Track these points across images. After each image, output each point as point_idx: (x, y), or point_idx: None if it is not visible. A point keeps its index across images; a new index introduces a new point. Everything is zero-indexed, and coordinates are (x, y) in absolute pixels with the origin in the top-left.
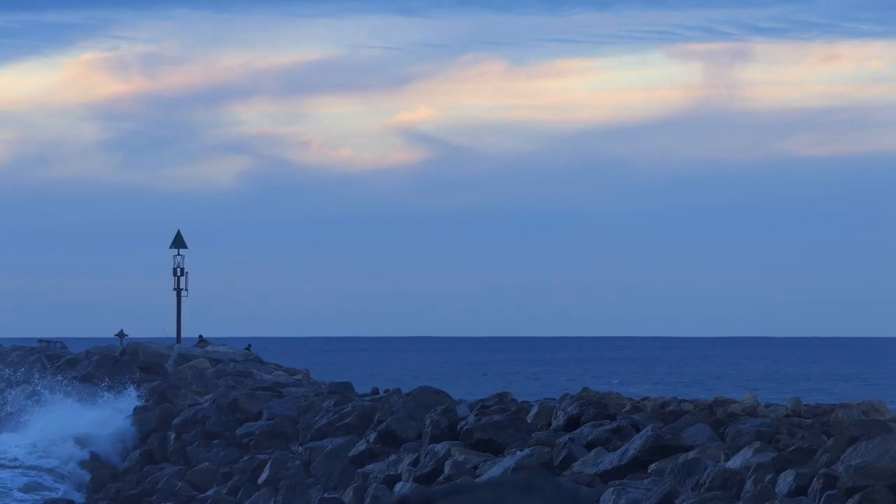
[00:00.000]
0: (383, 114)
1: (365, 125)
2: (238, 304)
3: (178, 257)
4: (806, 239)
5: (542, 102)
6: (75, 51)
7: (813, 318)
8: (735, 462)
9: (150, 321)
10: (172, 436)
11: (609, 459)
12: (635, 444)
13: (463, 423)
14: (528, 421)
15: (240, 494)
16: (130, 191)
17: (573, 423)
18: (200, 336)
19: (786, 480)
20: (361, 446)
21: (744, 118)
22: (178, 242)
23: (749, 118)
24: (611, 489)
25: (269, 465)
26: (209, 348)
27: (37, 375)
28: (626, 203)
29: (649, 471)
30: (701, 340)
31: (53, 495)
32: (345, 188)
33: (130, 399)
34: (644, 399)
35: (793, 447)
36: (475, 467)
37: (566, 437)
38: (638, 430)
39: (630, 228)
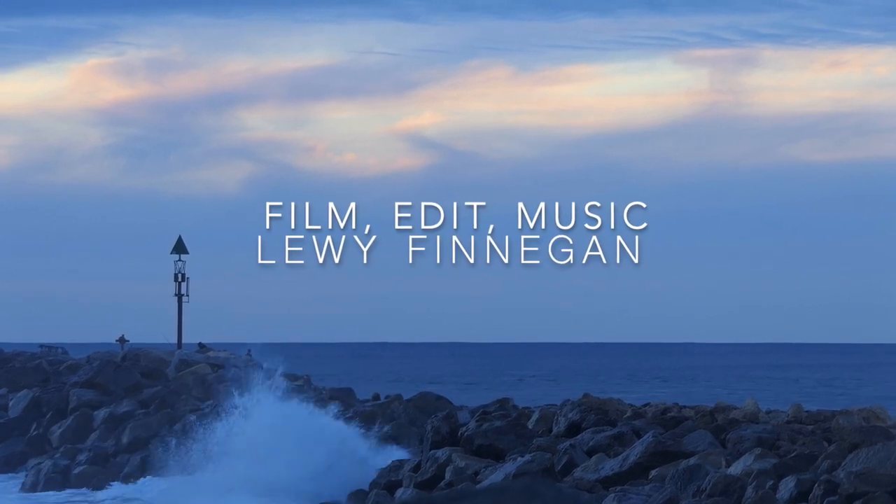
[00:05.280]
0: (388, 119)
1: (370, 130)
2: (240, 310)
3: (180, 263)
4: (812, 244)
5: (547, 108)
6: (81, 56)
7: (819, 323)
8: (736, 468)
9: (151, 327)
10: (174, 441)
11: (610, 465)
12: (636, 451)
13: (464, 428)
14: (530, 427)
15: None
16: (135, 196)
17: (574, 429)
18: (200, 343)
19: (787, 487)
20: None
21: (749, 124)
22: (180, 248)
23: (755, 124)
24: (612, 495)
25: None
26: (210, 354)
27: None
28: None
29: (650, 477)
30: (708, 346)
31: None
32: (349, 193)
33: None
34: (645, 405)
35: (794, 453)
36: (476, 473)
37: (567, 443)
38: (639, 437)
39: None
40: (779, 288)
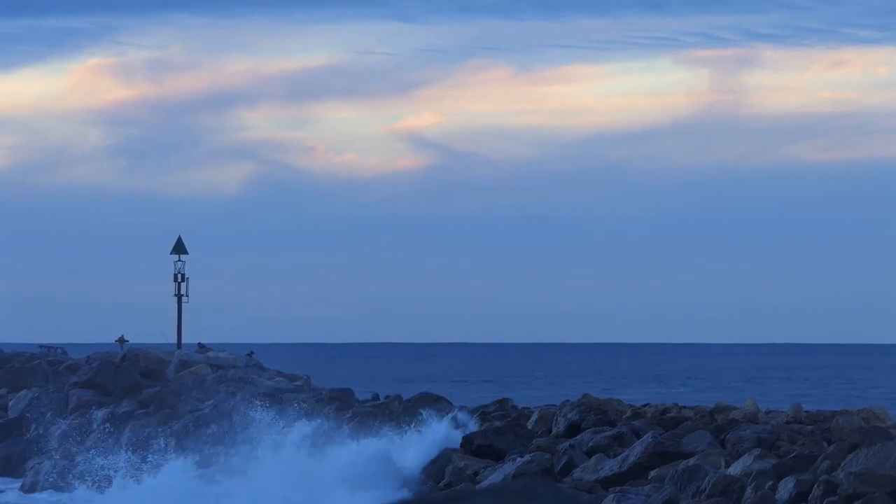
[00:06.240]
0: (388, 119)
1: (370, 130)
2: (241, 310)
3: (179, 263)
4: (812, 244)
5: (547, 108)
6: (81, 56)
7: (819, 323)
8: (735, 469)
9: (150, 327)
10: (173, 441)
11: (609, 466)
12: (636, 451)
13: (463, 429)
14: (529, 427)
15: None
16: (135, 196)
17: (573, 429)
18: (200, 343)
19: (786, 487)
20: None
21: (749, 124)
22: (179, 248)
23: (755, 124)
24: (611, 496)
25: None
26: (210, 354)
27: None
28: (631, 209)
29: (650, 477)
30: (707, 346)
31: None
32: (349, 194)
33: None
34: (644, 405)
35: (793, 454)
36: (475, 473)
37: (566, 443)
38: (638, 437)
39: (636, 234)
40: (778, 288)
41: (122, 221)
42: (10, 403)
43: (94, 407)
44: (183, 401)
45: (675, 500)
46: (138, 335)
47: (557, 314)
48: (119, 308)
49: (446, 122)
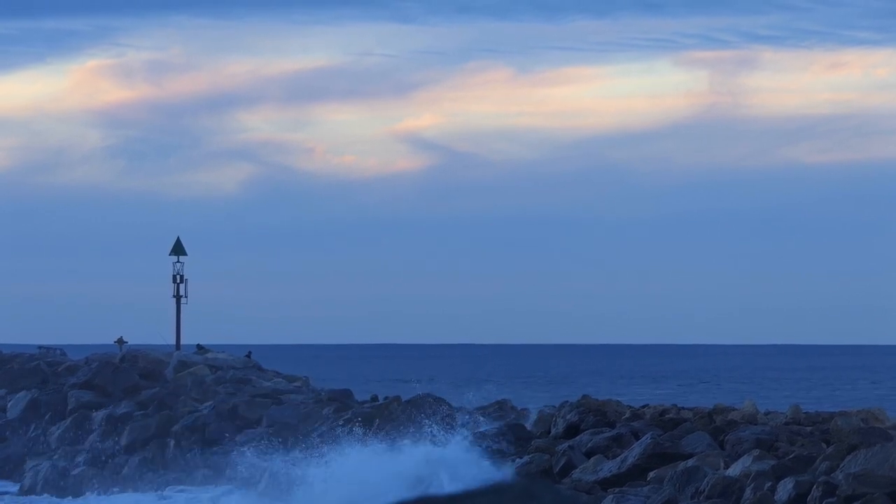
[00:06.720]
0: (388, 120)
1: (369, 132)
2: (240, 312)
3: (178, 264)
4: (811, 245)
5: (547, 109)
6: (81, 58)
7: (818, 324)
8: (734, 470)
9: (149, 328)
10: (172, 442)
11: (608, 467)
12: (634, 452)
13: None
14: (528, 428)
15: None
16: (134, 197)
17: (572, 430)
18: (199, 344)
19: (785, 488)
20: None
21: (749, 125)
22: (178, 249)
23: (754, 125)
24: (610, 497)
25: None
26: (208, 355)
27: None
28: (631, 210)
29: (648, 478)
30: (707, 347)
31: None
32: (349, 195)
33: None
34: (643, 407)
35: (792, 455)
36: None
37: (565, 444)
38: (637, 438)
39: (635, 235)
40: (778, 289)
41: (121, 222)
42: (9, 405)
43: (92, 408)
44: (182, 402)
45: (674, 501)
46: (137, 336)
47: (557, 315)
48: (118, 309)
49: (446, 123)
